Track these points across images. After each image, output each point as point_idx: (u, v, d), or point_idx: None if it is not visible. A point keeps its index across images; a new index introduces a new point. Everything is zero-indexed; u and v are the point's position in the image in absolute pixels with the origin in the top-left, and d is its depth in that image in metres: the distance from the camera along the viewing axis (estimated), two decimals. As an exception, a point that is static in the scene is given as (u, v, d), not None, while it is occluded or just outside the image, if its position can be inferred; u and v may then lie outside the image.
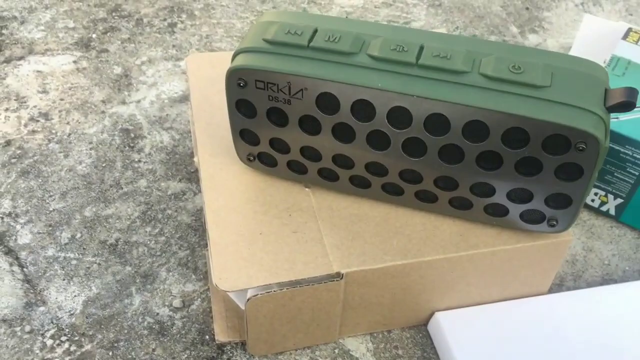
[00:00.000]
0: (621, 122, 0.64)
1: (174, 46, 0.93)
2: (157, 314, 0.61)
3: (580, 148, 0.44)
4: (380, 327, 0.60)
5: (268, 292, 0.51)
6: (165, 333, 0.60)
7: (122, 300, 0.62)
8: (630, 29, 0.77)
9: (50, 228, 0.68)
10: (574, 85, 0.46)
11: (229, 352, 0.58)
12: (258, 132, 0.55)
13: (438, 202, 0.54)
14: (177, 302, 0.62)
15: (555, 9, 1.04)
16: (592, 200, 0.71)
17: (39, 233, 0.67)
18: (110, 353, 0.58)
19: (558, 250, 0.56)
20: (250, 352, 0.58)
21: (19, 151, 0.76)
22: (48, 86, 0.84)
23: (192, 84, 0.69)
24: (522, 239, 0.54)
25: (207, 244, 0.66)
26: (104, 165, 0.75)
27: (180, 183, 0.73)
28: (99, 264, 0.65)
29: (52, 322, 0.60)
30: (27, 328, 0.59)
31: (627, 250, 0.69)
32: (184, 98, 0.84)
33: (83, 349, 0.58)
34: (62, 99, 0.83)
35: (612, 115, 0.63)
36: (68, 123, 0.80)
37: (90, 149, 0.76)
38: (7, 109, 0.81)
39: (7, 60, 0.88)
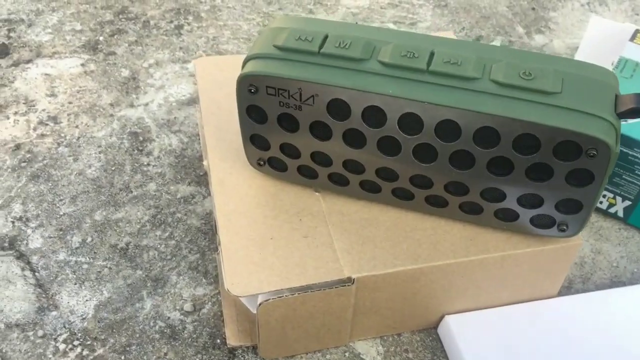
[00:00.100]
0: (630, 125, 0.64)
1: (181, 48, 0.93)
2: (169, 318, 0.61)
3: (591, 154, 0.45)
4: (390, 330, 0.61)
5: (280, 297, 0.51)
6: (177, 337, 0.60)
7: (134, 305, 0.62)
8: (637, 31, 0.77)
9: (61, 232, 0.68)
10: (584, 91, 0.46)
11: (240, 356, 0.59)
12: (269, 138, 0.55)
13: (448, 207, 0.54)
14: (188, 306, 0.62)
15: (561, 9, 1.04)
16: (600, 203, 0.71)
17: (50, 237, 0.67)
18: (123, 357, 0.58)
19: (568, 254, 0.56)
20: (261, 355, 0.58)
21: (28, 155, 0.76)
22: (56, 89, 0.85)
23: (200, 87, 0.69)
24: (532, 243, 0.55)
25: (217, 248, 0.67)
26: (113, 168, 0.75)
27: (190, 186, 0.74)
28: (110, 268, 0.65)
29: (64, 327, 0.60)
30: (40, 333, 0.60)
31: (635, 252, 0.69)
32: (192, 101, 0.84)
33: (95, 353, 0.58)
34: (70, 102, 0.83)
35: (621, 118, 0.63)
36: (77, 126, 0.80)
37: (100, 152, 0.77)
38: (16, 113, 0.81)
39: (15, 64, 0.88)
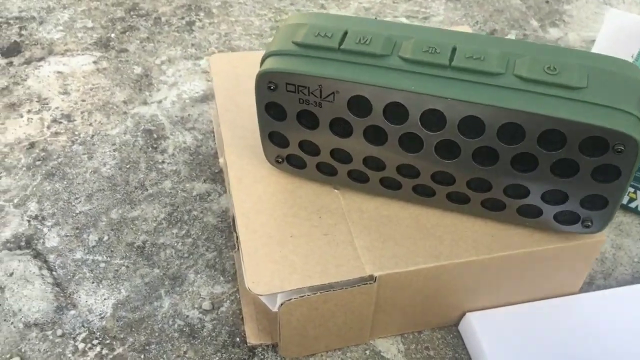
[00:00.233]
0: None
1: (193, 45, 0.93)
2: (187, 316, 0.61)
3: (619, 150, 0.44)
4: (411, 328, 0.60)
5: (302, 297, 0.51)
6: (196, 336, 0.60)
7: (152, 303, 0.62)
8: (655, 23, 0.76)
9: (77, 231, 0.68)
10: (610, 85, 0.45)
11: (260, 355, 0.59)
12: (288, 135, 0.54)
13: (470, 203, 0.54)
14: (206, 305, 0.62)
15: (575, 2, 1.03)
16: (620, 197, 0.70)
17: (67, 236, 0.67)
18: (142, 356, 0.58)
19: (591, 250, 0.56)
20: (282, 354, 0.58)
21: (43, 153, 0.76)
22: (69, 87, 0.85)
23: (216, 84, 0.69)
24: (555, 239, 0.54)
25: (234, 246, 0.66)
26: (128, 166, 0.75)
27: (205, 184, 0.73)
28: (127, 267, 0.65)
29: (83, 326, 0.60)
30: (59, 332, 0.59)
31: (655, 247, 0.68)
32: (205, 98, 0.84)
33: (115, 352, 0.58)
34: (83, 100, 0.83)
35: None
36: (91, 124, 0.80)
37: (114, 150, 0.76)
38: (29, 111, 0.81)
39: (28, 62, 0.88)
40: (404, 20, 0.98)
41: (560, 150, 0.46)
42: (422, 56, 0.48)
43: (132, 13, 0.98)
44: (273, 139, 0.56)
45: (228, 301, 0.62)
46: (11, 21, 0.95)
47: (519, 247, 0.54)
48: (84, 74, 0.87)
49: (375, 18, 0.84)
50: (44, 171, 0.74)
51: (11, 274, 0.63)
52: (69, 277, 0.64)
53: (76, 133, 0.78)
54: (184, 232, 0.68)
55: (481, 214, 0.55)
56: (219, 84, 0.69)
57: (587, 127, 0.44)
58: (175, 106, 0.83)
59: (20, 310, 0.61)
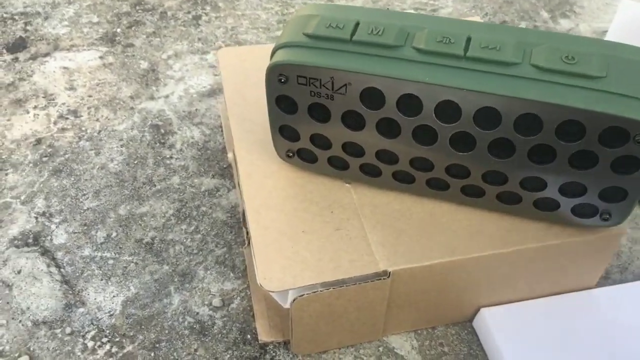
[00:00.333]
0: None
1: (199, 39, 0.92)
2: (197, 313, 0.60)
3: (639, 140, 0.43)
4: (424, 324, 0.59)
5: (314, 292, 0.50)
6: (207, 333, 0.59)
7: (161, 300, 0.61)
8: (669, 13, 0.75)
9: (85, 227, 0.67)
10: (630, 75, 0.44)
11: (271, 352, 0.58)
12: (298, 128, 0.53)
13: (485, 196, 0.53)
14: (216, 301, 0.61)
15: (585, -8, 1.02)
16: (635, 190, 0.69)
17: (75, 232, 0.66)
18: (152, 354, 0.57)
19: (610, 243, 0.55)
20: (294, 351, 0.57)
21: (49, 149, 0.75)
22: (75, 82, 0.84)
23: (224, 79, 0.68)
24: (572, 233, 0.53)
25: (244, 242, 0.65)
26: (135, 162, 0.74)
27: (214, 179, 0.72)
28: (136, 263, 0.64)
29: (92, 324, 0.59)
30: (68, 330, 0.59)
31: (672, 240, 0.67)
32: (213, 92, 0.83)
33: (125, 350, 0.57)
34: (90, 96, 0.82)
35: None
36: (97, 120, 0.79)
37: (121, 145, 0.76)
38: (35, 107, 0.80)
39: (33, 57, 0.87)
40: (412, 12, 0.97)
41: (579, 142, 0.45)
42: (436, 47, 0.47)
43: (137, 7, 0.97)
44: (283, 132, 0.55)
45: (238, 298, 0.62)
46: (16, 17, 0.95)
47: (536, 240, 0.53)
48: (90, 69, 0.86)
49: (387, 9, 0.83)
50: (50, 167, 0.73)
51: (19, 272, 0.63)
52: (77, 274, 0.63)
53: (83, 129, 0.78)
54: (193, 228, 0.67)
55: (496, 207, 0.54)
56: (228, 78, 0.68)
57: (607, 117, 0.42)
58: (182, 101, 0.82)
59: (28, 308, 0.60)
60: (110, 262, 0.64)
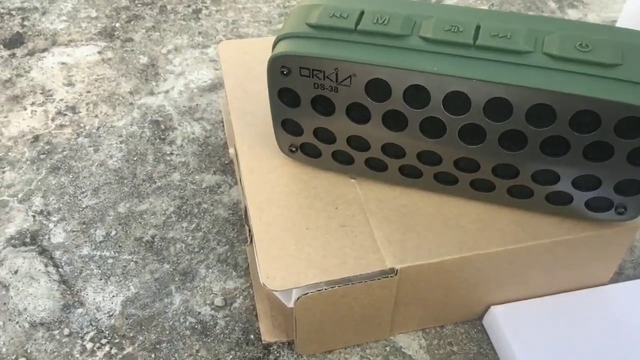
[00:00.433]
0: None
1: (199, 33, 0.90)
2: (199, 313, 0.59)
3: (657, 130, 0.41)
4: (432, 322, 0.58)
5: (319, 291, 0.48)
6: (209, 333, 0.57)
7: (162, 300, 0.60)
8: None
9: (84, 226, 0.65)
10: (647, 62, 0.42)
11: (275, 352, 0.56)
12: (302, 122, 0.52)
13: (495, 191, 0.51)
14: (218, 301, 0.60)
15: (593, -18, 1.00)
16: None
17: (73, 231, 0.65)
18: (153, 355, 0.56)
19: (623, 238, 0.53)
20: (298, 351, 0.56)
21: (47, 146, 0.73)
22: (73, 78, 0.82)
23: (225, 73, 0.66)
24: (585, 227, 0.51)
25: (246, 239, 0.64)
26: (135, 159, 0.72)
27: (215, 175, 0.71)
28: (136, 262, 0.62)
29: (91, 324, 0.58)
30: (66, 331, 0.57)
31: (686, 234, 0.65)
32: (213, 87, 0.81)
33: (124, 352, 0.56)
34: (88, 91, 0.80)
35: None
36: (96, 116, 0.77)
37: (121, 142, 0.74)
38: (33, 103, 0.79)
39: (31, 53, 0.86)
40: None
41: (594, 133, 0.43)
42: (444, 35, 0.45)
43: (136, 2, 0.95)
44: (286, 126, 0.53)
45: (241, 297, 0.60)
46: (13, 12, 0.93)
47: (548, 236, 0.51)
48: (88, 65, 0.84)
49: None
50: (48, 165, 0.71)
51: (16, 272, 0.61)
52: (75, 274, 0.61)
53: (81, 125, 0.76)
54: (194, 225, 0.66)
55: (507, 202, 0.52)
56: (229, 72, 0.66)
57: (623, 107, 0.41)
58: (182, 96, 0.80)
59: (25, 309, 0.58)
60: (110, 261, 0.62)
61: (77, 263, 0.62)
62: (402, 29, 0.46)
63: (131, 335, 0.57)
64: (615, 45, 0.43)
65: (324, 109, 0.50)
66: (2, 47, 0.87)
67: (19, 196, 0.68)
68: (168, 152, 0.73)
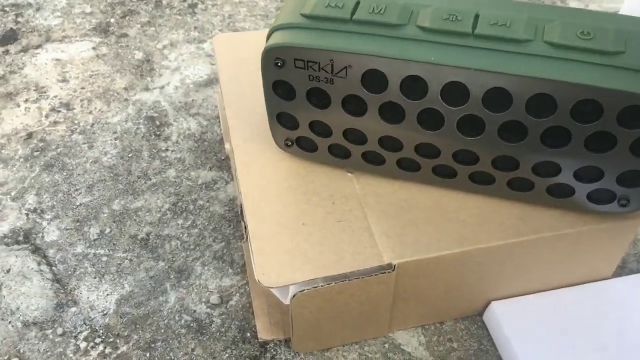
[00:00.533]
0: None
1: (195, 28, 0.89)
2: (194, 311, 0.58)
3: (661, 119, 0.40)
4: (432, 319, 0.57)
5: (315, 288, 0.47)
6: (204, 331, 0.56)
7: (157, 298, 0.58)
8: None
9: (78, 223, 0.64)
10: (650, 50, 0.41)
11: (272, 350, 0.55)
12: (297, 115, 0.51)
13: (495, 184, 0.50)
14: (214, 298, 0.58)
15: (593, -27, 0.99)
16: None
17: (67, 229, 0.64)
18: (148, 354, 0.55)
19: (626, 231, 0.52)
20: (295, 349, 0.55)
21: (41, 144, 0.72)
22: (68, 74, 0.81)
23: (220, 66, 0.65)
24: (588, 220, 0.50)
25: (243, 236, 0.63)
26: (130, 155, 0.71)
27: (211, 171, 0.70)
28: (131, 260, 0.61)
29: (84, 324, 0.57)
30: (59, 330, 0.56)
31: (690, 228, 0.64)
32: (209, 82, 0.80)
33: (119, 351, 0.55)
34: (83, 88, 0.79)
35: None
36: (90, 112, 0.76)
37: (115, 138, 0.73)
38: (27, 100, 0.77)
39: (25, 49, 0.85)
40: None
41: (596, 123, 0.42)
42: (442, 24, 0.44)
43: (132, -3, 0.94)
44: (281, 120, 0.52)
45: (237, 294, 0.59)
46: (7, 8, 0.92)
47: (550, 229, 0.50)
48: (82, 61, 0.83)
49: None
50: (42, 162, 0.70)
51: (8, 271, 0.60)
52: (69, 272, 0.60)
53: (75, 122, 0.75)
54: (189, 222, 0.65)
55: (507, 195, 0.51)
56: (224, 66, 0.65)
57: (626, 96, 0.40)
58: (178, 91, 0.79)
59: (18, 308, 0.57)
60: (104, 259, 0.61)
61: (70, 261, 0.61)
62: (398, 18, 0.44)
63: (125, 334, 0.56)
64: (618, 33, 0.42)
65: (320, 102, 0.48)
66: (-5, 43, 0.86)
67: (12, 194, 0.67)
68: (163, 149, 0.72)
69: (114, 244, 0.63)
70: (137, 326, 0.57)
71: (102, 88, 0.79)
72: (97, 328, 0.56)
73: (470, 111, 0.44)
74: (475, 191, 0.52)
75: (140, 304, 0.58)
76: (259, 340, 0.55)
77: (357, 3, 0.46)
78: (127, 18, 0.90)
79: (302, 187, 0.54)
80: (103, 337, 0.56)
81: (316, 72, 0.46)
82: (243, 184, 0.54)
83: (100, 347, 0.55)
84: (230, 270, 0.61)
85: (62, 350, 0.55)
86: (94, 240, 0.63)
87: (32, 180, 0.68)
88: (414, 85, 0.44)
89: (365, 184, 0.54)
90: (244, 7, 0.92)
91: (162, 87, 0.79)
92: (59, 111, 0.76)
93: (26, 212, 0.65)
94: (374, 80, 0.45)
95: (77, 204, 0.66)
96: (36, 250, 0.62)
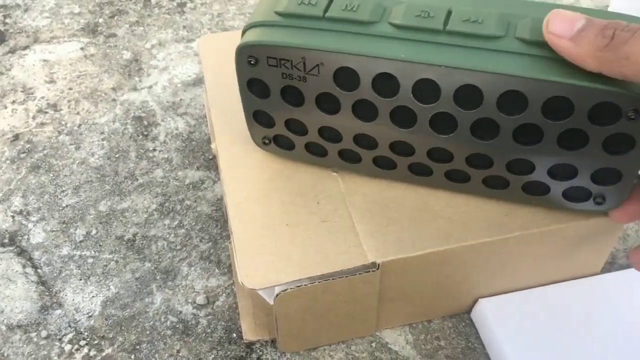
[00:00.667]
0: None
1: (184, 27, 0.88)
2: (180, 312, 0.57)
3: (632, 117, 0.39)
4: (419, 317, 0.56)
5: (298, 287, 0.47)
6: (190, 332, 0.56)
7: (143, 299, 0.58)
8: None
9: (64, 225, 0.64)
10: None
11: (258, 351, 0.55)
12: (272, 113, 0.50)
13: (470, 182, 0.49)
14: (200, 299, 0.58)
15: (586, -38, 0.98)
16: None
17: (53, 231, 0.64)
18: (133, 356, 0.54)
19: (614, 226, 0.51)
20: (281, 349, 0.54)
21: (28, 145, 0.72)
22: (55, 75, 0.81)
23: (205, 67, 0.64)
24: (575, 216, 0.49)
25: (229, 236, 0.62)
26: (117, 156, 0.71)
27: (198, 171, 0.69)
28: (117, 261, 0.61)
29: (69, 326, 0.56)
30: (44, 333, 0.56)
31: (681, 220, 0.63)
32: (198, 81, 0.80)
33: (103, 353, 0.55)
34: (70, 89, 0.79)
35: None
36: (78, 113, 0.76)
37: (102, 139, 0.73)
38: (13, 102, 0.77)
39: (12, 51, 0.84)
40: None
41: (568, 120, 0.41)
42: (414, 21, 0.43)
43: (121, -4, 0.94)
44: (258, 118, 0.51)
45: (224, 295, 0.59)
46: (-4, 10, 0.92)
47: (536, 225, 0.49)
48: (70, 62, 0.83)
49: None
50: (29, 164, 0.70)
51: (-6, 274, 0.60)
52: (54, 274, 0.60)
53: (63, 123, 0.75)
54: (176, 222, 0.64)
55: (483, 192, 0.50)
56: (209, 67, 0.65)
57: (596, 92, 0.39)
58: (166, 91, 0.79)
59: (2, 311, 0.57)
60: (90, 260, 0.61)
61: (56, 263, 0.61)
62: (371, 15, 0.44)
63: (110, 336, 0.56)
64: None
65: (294, 100, 0.48)
66: (-16, 46, 0.86)
67: (-1, 197, 0.67)
68: (151, 149, 0.72)
69: (100, 245, 0.62)
70: (123, 328, 0.56)
71: (90, 89, 0.79)
72: (82, 330, 0.56)
73: (442, 109, 0.43)
74: (452, 189, 0.51)
75: (125, 306, 0.58)
76: (245, 341, 0.55)
77: (331, 0, 0.45)
78: (115, 18, 0.90)
79: (287, 188, 0.53)
80: (88, 339, 0.56)
81: (289, 70, 0.46)
82: (227, 185, 0.54)
83: (85, 350, 0.55)
84: (217, 271, 0.60)
85: (46, 353, 0.55)
86: (80, 241, 0.63)
87: (19, 182, 0.68)
88: (385, 83, 0.44)
89: (351, 183, 0.53)
90: (233, 6, 0.92)
91: (150, 87, 0.79)
92: (46, 112, 0.76)
93: (12, 214, 0.65)
94: (346, 78, 0.44)
95: (64, 205, 0.66)
96: (21, 252, 0.62)
